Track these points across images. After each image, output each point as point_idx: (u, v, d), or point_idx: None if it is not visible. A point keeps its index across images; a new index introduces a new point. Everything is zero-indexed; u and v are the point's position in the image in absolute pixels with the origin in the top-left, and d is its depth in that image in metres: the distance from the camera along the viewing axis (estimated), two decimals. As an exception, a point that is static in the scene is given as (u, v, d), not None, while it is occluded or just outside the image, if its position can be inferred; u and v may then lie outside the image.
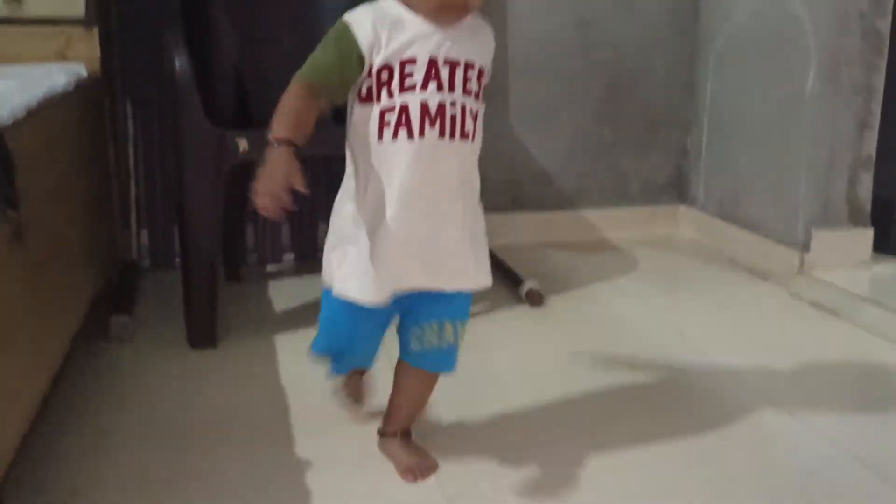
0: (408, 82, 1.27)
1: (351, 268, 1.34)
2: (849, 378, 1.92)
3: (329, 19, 2.32)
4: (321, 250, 2.55)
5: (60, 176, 1.70)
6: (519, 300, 2.33)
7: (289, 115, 1.26)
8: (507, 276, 2.45)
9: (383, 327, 1.44)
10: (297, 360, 1.89)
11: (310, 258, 2.62)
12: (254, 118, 2.23)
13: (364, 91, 1.29)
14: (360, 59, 1.27)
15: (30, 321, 1.41)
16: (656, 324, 2.20)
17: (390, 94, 1.28)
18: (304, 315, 2.20)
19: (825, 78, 2.33)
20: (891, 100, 2.39)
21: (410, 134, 1.28)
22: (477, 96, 1.32)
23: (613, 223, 2.92)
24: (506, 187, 2.83)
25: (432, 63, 1.28)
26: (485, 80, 1.33)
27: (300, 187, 1.19)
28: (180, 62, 1.91)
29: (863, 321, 2.15)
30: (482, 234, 1.41)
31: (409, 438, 1.52)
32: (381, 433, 1.53)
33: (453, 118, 1.29)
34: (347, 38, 1.27)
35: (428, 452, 1.52)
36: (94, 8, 2.10)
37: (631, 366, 1.94)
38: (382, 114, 1.28)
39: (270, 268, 2.60)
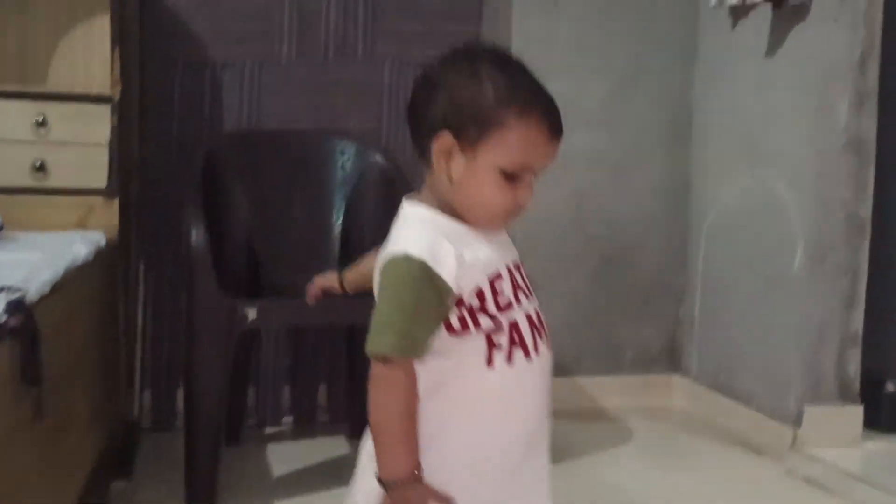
0: (501, 300, 1.10)
1: None
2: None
3: (339, 193, 2.47)
4: (320, 413, 2.63)
5: (78, 346, 1.75)
6: (515, 469, 2.34)
7: (407, 433, 1.05)
8: (503, 445, 2.47)
9: None
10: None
11: (309, 421, 2.65)
12: (263, 286, 2.32)
13: (456, 323, 1.08)
14: (451, 297, 1.07)
15: (38, 489, 1.44)
16: (652, 500, 2.21)
17: (492, 317, 1.09)
18: (302, 480, 2.21)
19: (811, 259, 2.44)
20: (875, 279, 2.49)
21: (527, 353, 1.12)
22: None
23: (608, 391, 2.96)
24: (503, 354, 2.89)
25: (509, 271, 1.14)
26: None
27: None
28: (197, 235, 2.00)
29: (856, 499, 2.17)
30: None
31: None
32: None
33: (546, 324, 1.16)
34: (432, 279, 1.06)
35: None
36: (116, 179, 2.20)
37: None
38: (489, 337, 1.09)
39: (269, 430, 2.62)
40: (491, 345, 1.09)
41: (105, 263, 2.09)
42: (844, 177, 2.42)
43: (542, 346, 1.14)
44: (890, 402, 2.54)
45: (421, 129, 1.11)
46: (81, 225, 2.16)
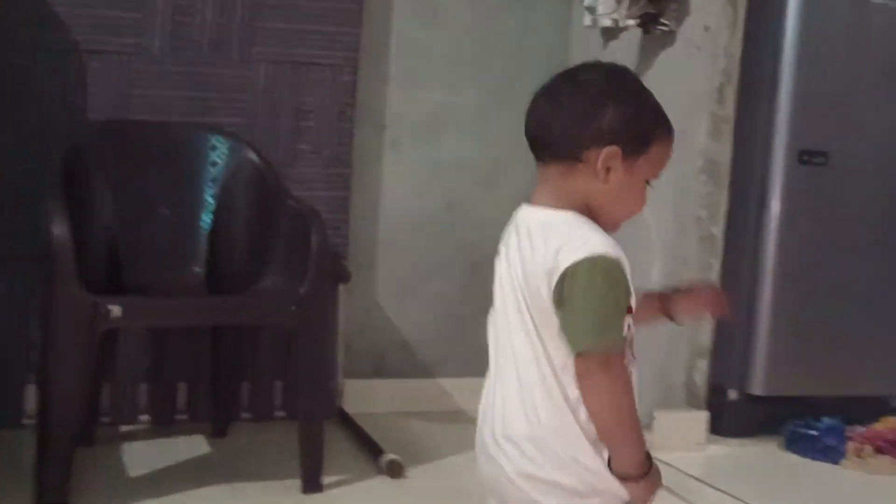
0: (635, 302, 1.18)
1: None
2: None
3: (209, 189, 2.43)
4: (179, 412, 2.57)
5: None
6: (379, 471, 2.36)
7: (639, 423, 1.15)
8: (367, 446, 2.49)
9: None
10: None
11: (167, 421, 2.59)
12: (125, 284, 2.25)
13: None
14: (631, 298, 1.16)
15: None
16: (510, 501, 2.27)
17: (632, 323, 1.18)
18: (159, 480, 2.17)
19: (667, 275, 2.56)
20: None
21: (633, 355, 1.20)
22: None
23: (471, 393, 3.00)
24: (369, 356, 2.91)
25: None
26: None
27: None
28: (59, 229, 1.92)
29: (700, 501, 2.29)
30: None
31: None
32: None
33: None
34: (624, 281, 1.15)
35: None
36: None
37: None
38: (630, 342, 1.18)
39: (125, 429, 2.54)
40: (630, 351, 1.17)
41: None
42: (700, 197, 2.56)
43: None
44: (731, 409, 2.70)
45: (579, 137, 1.17)
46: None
